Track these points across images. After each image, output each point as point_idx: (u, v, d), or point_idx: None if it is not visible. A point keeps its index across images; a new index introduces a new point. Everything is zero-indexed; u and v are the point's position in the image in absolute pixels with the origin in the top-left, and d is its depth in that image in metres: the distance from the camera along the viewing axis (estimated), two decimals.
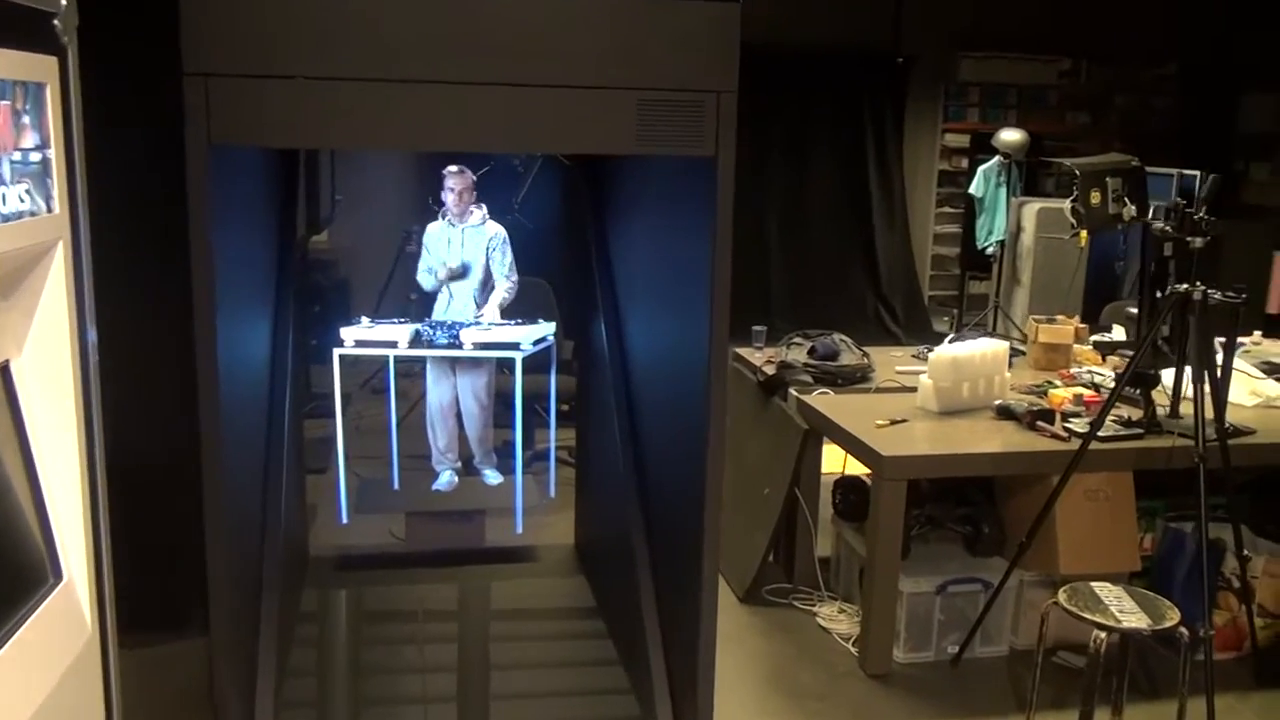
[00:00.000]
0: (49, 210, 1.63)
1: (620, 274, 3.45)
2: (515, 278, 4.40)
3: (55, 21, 1.65)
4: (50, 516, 1.55)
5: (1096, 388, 4.07)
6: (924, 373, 4.46)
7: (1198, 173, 7.56)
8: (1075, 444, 3.42)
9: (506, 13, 2.14)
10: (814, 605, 3.93)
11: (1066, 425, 3.60)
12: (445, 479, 4.23)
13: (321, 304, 6.57)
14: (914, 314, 8.83)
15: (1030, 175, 8.50)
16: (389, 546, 4.18)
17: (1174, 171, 7.54)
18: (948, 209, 9.39)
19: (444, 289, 4.29)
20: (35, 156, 1.58)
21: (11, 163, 1.50)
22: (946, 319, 8.92)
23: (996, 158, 7.91)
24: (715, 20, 2.16)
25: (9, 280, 1.59)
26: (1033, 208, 7.95)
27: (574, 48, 2.16)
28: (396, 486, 4.14)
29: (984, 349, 3.88)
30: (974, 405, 3.85)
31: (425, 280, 4.43)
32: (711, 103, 2.20)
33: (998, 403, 3.76)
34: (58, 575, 1.56)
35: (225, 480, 2.35)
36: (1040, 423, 3.61)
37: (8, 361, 1.57)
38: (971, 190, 8.03)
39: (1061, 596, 2.98)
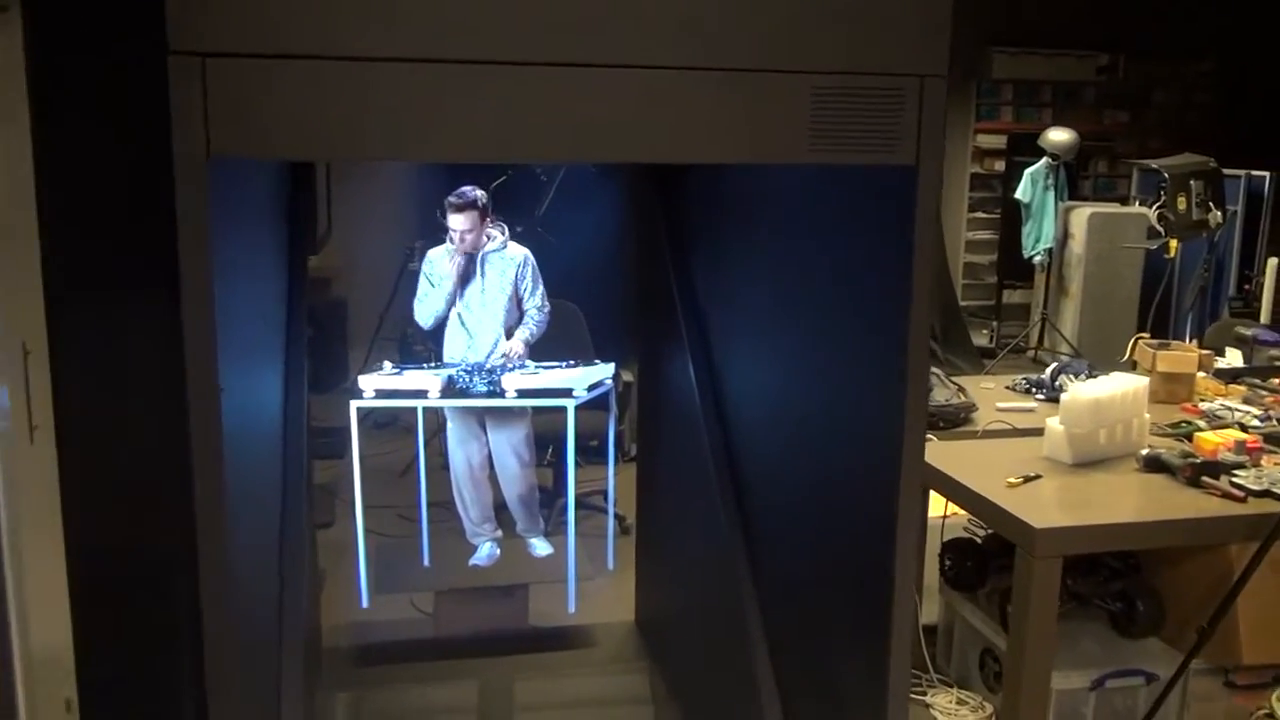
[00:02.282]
0: None
1: (708, 300, 2.83)
2: (548, 309, 3.74)
3: None
4: None
5: (1244, 428, 3.48)
6: (1032, 409, 3.91)
7: (1267, 174, 7.02)
8: (1253, 505, 2.84)
9: None
10: (925, 692, 3.32)
11: (1234, 480, 3.00)
12: (485, 551, 3.59)
13: (316, 329, 5.94)
14: (952, 327, 8.23)
15: (1069, 178, 7.95)
16: (414, 626, 3.54)
17: (1241, 173, 6.99)
18: (980, 214, 8.82)
19: (460, 325, 3.62)
20: None
21: None
22: (985, 333, 8.34)
23: (1044, 159, 7.35)
24: None
25: None
26: (1083, 213, 7.39)
27: (719, 15, 1.53)
28: (427, 563, 3.50)
29: (1125, 387, 3.28)
30: (1111, 454, 3.24)
31: (424, 317, 3.75)
32: (912, 90, 1.58)
33: (1145, 453, 3.16)
34: None
35: (233, 571, 1.75)
36: (1206, 478, 3.00)
37: None
38: (1018, 195, 7.46)
39: (1278, 704, 2.38)
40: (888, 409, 1.77)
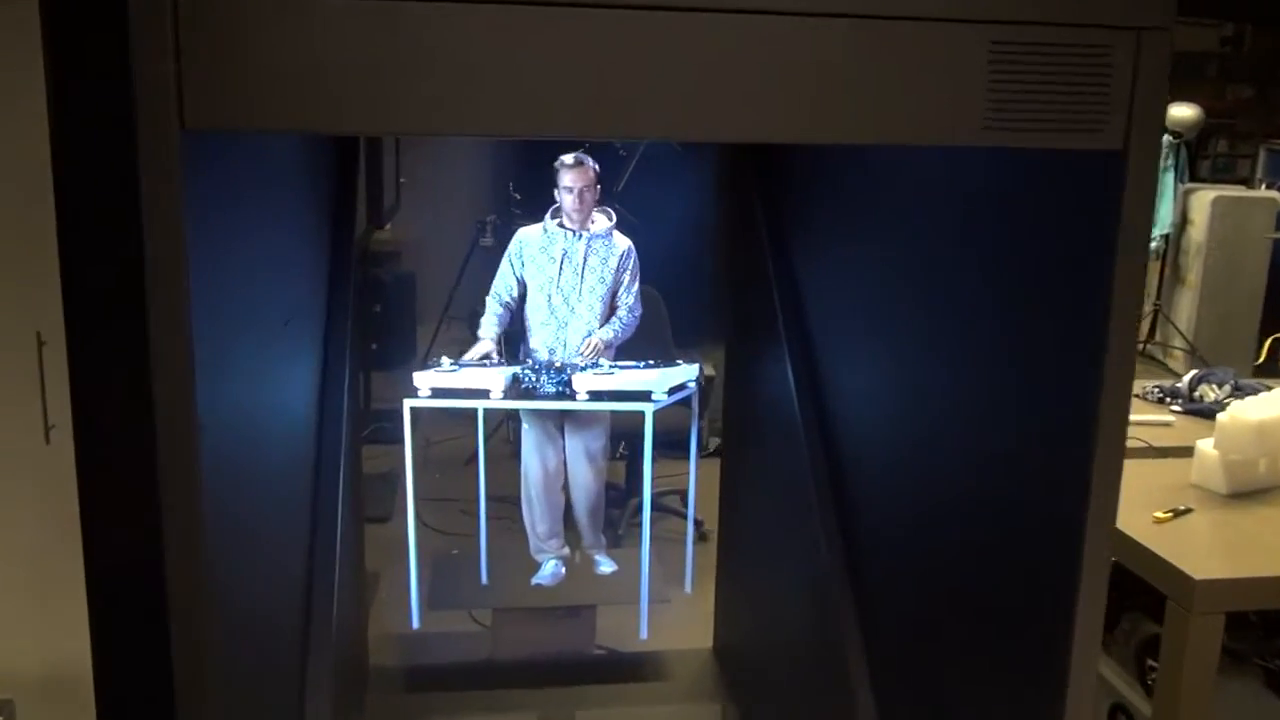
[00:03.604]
0: None
1: (809, 290, 2.44)
2: (639, 312, 3.35)
3: None
4: None
5: None
6: (1169, 422, 3.45)
7: None
8: None
9: None
10: None
11: None
12: (550, 570, 3.24)
13: (383, 305, 5.67)
14: None
15: (1189, 158, 7.35)
16: (471, 641, 3.25)
17: None
18: None
19: (550, 315, 3.23)
20: None
21: None
22: None
23: (1164, 137, 6.76)
24: None
25: None
26: (1205, 196, 6.80)
27: None
28: (485, 580, 3.18)
29: None
30: (1273, 484, 2.80)
31: (490, 318, 3.37)
32: (1125, 49, 1.19)
33: None
34: None
35: (231, 573, 1.46)
36: None
37: None
38: None
39: None
40: (1059, 437, 1.38)
